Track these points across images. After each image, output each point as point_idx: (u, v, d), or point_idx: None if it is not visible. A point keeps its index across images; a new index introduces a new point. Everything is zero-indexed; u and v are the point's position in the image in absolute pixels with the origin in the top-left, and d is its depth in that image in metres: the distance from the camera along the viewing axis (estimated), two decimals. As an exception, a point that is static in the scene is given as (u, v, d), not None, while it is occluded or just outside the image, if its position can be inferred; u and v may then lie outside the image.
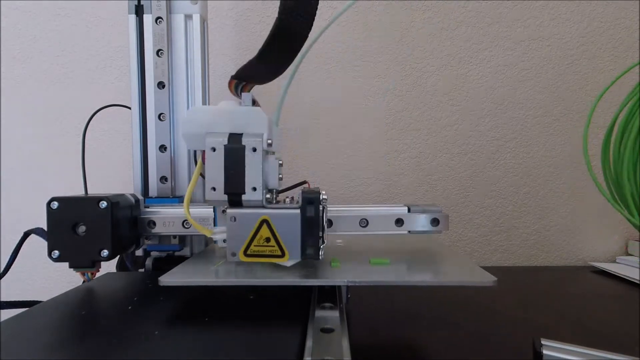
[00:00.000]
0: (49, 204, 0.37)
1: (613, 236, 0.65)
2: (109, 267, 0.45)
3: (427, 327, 0.33)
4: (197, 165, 0.35)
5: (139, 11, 0.47)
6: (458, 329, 0.32)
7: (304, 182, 0.38)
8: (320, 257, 0.32)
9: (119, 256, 0.47)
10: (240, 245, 0.32)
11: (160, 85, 0.47)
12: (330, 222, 0.37)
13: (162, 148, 0.48)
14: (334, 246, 0.41)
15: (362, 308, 0.36)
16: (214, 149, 0.32)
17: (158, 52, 0.47)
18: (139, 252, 0.47)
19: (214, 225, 0.36)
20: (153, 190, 0.47)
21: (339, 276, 0.32)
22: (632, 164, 0.42)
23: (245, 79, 0.35)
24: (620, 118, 0.46)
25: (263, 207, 0.33)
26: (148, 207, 0.42)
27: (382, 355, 0.28)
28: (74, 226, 0.37)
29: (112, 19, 0.65)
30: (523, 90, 0.65)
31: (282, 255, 0.32)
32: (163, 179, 0.47)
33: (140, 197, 0.43)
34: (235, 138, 0.32)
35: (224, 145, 0.32)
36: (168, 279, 0.32)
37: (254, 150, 0.32)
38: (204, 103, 0.48)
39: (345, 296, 0.35)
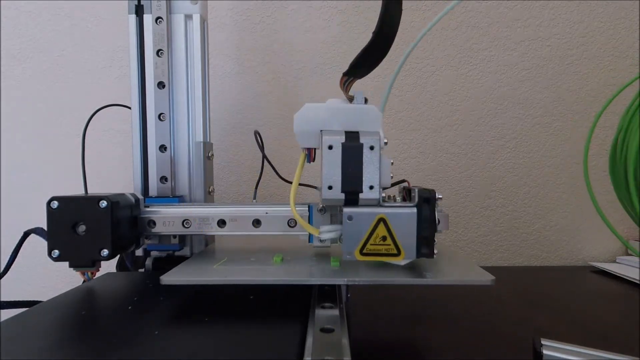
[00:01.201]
0: (48, 203, 0.37)
1: (613, 236, 0.65)
2: (109, 267, 0.45)
3: (427, 326, 0.33)
4: (300, 163, 0.34)
5: (139, 11, 0.47)
6: (458, 328, 0.32)
7: (404, 181, 0.38)
8: (434, 256, 0.32)
9: (119, 256, 0.47)
10: (357, 244, 0.32)
11: (160, 85, 0.47)
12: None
13: (162, 148, 0.48)
14: (333, 246, 0.41)
15: (362, 308, 0.36)
16: (330, 147, 0.32)
17: (158, 52, 0.47)
18: (139, 252, 0.47)
19: (310, 223, 0.36)
20: (153, 190, 0.47)
21: (339, 275, 0.32)
22: (636, 161, 0.42)
23: (354, 74, 0.35)
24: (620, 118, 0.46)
25: (380, 205, 0.32)
26: (148, 207, 0.42)
27: (382, 355, 0.28)
28: (74, 226, 0.37)
29: (112, 19, 0.65)
30: (523, 90, 0.65)
31: (398, 253, 0.32)
32: (163, 179, 0.47)
33: (140, 196, 0.43)
34: (352, 136, 0.32)
35: (342, 144, 0.32)
36: (169, 278, 0.32)
37: (372, 148, 0.32)
38: (204, 103, 0.49)
39: (345, 296, 0.35)
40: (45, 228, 0.37)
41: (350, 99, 0.35)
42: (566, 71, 0.64)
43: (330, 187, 0.32)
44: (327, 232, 0.34)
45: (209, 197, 0.49)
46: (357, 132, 0.32)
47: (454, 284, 0.32)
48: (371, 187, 0.32)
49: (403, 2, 0.32)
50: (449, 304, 0.38)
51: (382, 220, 0.32)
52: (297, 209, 0.39)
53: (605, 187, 0.63)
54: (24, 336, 0.28)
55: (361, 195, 0.32)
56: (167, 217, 0.41)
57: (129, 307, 0.34)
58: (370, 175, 0.32)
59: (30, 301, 0.38)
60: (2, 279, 0.42)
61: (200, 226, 0.41)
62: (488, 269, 0.32)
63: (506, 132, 0.65)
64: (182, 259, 0.42)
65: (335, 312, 0.30)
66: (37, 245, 0.42)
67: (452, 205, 0.66)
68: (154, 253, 0.46)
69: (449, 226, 0.39)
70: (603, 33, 0.64)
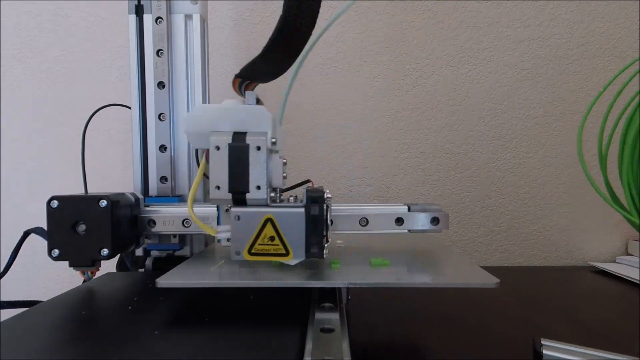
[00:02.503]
0: (48, 202, 0.37)
1: (613, 236, 0.65)
2: (109, 267, 0.45)
3: (427, 327, 0.33)
4: (201, 164, 0.35)
5: (139, 11, 0.47)
6: (458, 329, 0.32)
7: (308, 181, 0.38)
8: (324, 256, 0.32)
9: (119, 256, 0.47)
10: (245, 244, 0.32)
11: (160, 85, 0.47)
12: (330, 221, 0.37)
13: (162, 148, 0.48)
14: (334, 247, 0.41)
15: (362, 308, 0.36)
16: (218, 148, 0.32)
17: (158, 52, 0.47)
18: (139, 252, 0.47)
19: (217, 224, 0.36)
20: (153, 190, 0.47)
21: (339, 277, 0.32)
22: (631, 162, 0.42)
23: (249, 77, 0.35)
24: (618, 117, 0.46)
25: (267, 205, 0.33)
26: (148, 206, 0.42)
27: (382, 355, 0.28)
28: (74, 225, 0.37)
29: (112, 19, 0.65)
30: (523, 90, 0.65)
31: (287, 254, 0.32)
32: (163, 179, 0.47)
33: (140, 196, 0.43)
34: (239, 137, 0.32)
35: (228, 144, 0.32)
36: (166, 281, 0.31)
37: (258, 148, 0.32)
38: (204, 103, 0.48)
39: (345, 297, 0.35)
40: (45, 228, 0.37)
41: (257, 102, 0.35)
42: (566, 71, 0.64)
43: (218, 187, 0.32)
44: (223, 231, 0.34)
45: (208, 197, 0.49)
46: (245, 133, 0.33)
47: (457, 287, 0.31)
48: (258, 187, 0.32)
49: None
50: (449, 304, 0.38)
51: (269, 220, 0.32)
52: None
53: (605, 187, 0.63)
54: (24, 336, 0.28)
55: (248, 195, 0.32)
56: (167, 217, 0.41)
57: (129, 307, 0.34)
58: (257, 175, 0.32)
59: (30, 301, 0.38)
60: (2, 279, 0.42)
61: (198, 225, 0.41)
62: (488, 269, 0.32)
63: (506, 132, 0.65)
64: (182, 259, 0.42)
65: (335, 312, 0.30)
66: (37, 245, 0.42)
67: (452, 205, 0.66)
68: (154, 253, 0.46)
69: (449, 226, 0.39)
70: (603, 33, 0.64)
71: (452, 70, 0.65)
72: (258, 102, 0.35)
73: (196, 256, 0.41)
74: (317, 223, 0.32)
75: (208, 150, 0.33)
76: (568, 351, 0.23)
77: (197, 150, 0.47)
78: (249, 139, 0.32)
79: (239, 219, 0.32)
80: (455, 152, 0.66)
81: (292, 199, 0.34)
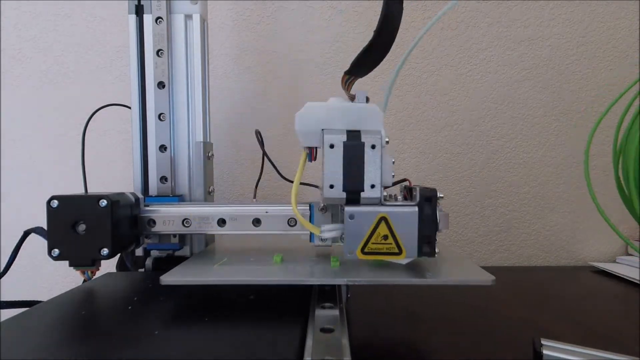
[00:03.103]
0: (48, 202, 0.37)
1: (613, 236, 0.65)
2: (109, 267, 0.45)
3: (427, 327, 0.33)
4: (301, 162, 0.34)
5: (139, 11, 0.47)
6: (458, 328, 0.32)
7: (405, 180, 0.38)
8: (435, 255, 0.32)
9: (119, 256, 0.47)
10: (358, 243, 0.32)
11: (160, 85, 0.47)
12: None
13: (162, 148, 0.48)
14: (334, 246, 0.41)
15: (362, 308, 0.36)
16: (332, 146, 0.32)
17: (158, 52, 0.47)
18: (139, 252, 0.47)
19: (311, 222, 0.36)
20: (153, 190, 0.47)
21: (339, 276, 0.32)
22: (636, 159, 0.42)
23: (356, 73, 0.35)
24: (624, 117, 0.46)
25: (381, 204, 0.32)
26: (148, 206, 0.42)
27: (382, 355, 0.28)
28: (74, 225, 0.37)
29: (112, 19, 0.65)
30: (523, 90, 0.65)
31: (400, 252, 0.32)
32: (163, 179, 0.47)
33: (140, 195, 0.43)
34: (354, 135, 0.32)
35: (344, 142, 0.32)
36: (169, 279, 0.32)
37: (373, 147, 0.32)
38: (204, 103, 0.48)
39: (345, 296, 0.35)
40: (45, 227, 0.37)
41: (352, 98, 0.35)
42: (566, 71, 0.64)
43: (331, 186, 0.32)
44: (328, 231, 0.34)
45: (209, 197, 0.49)
46: (359, 131, 0.32)
47: (454, 284, 0.32)
48: (372, 186, 0.32)
49: (404, 1, 0.32)
50: (449, 304, 0.38)
51: (383, 219, 0.32)
52: (298, 208, 0.38)
53: (605, 187, 0.63)
54: (24, 336, 0.28)
55: (363, 194, 0.32)
56: (167, 216, 0.41)
57: (129, 307, 0.34)
58: (371, 174, 0.32)
59: (30, 301, 0.38)
60: (2, 279, 0.42)
61: (200, 225, 0.41)
62: (488, 269, 0.32)
63: (506, 132, 0.65)
64: (182, 259, 0.42)
65: (335, 312, 0.31)
66: (37, 244, 0.42)
67: (452, 205, 0.66)
68: (154, 253, 0.46)
69: (449, 226, 0.39)
70: (603, 33, 0.64)
71: (452, 70, 0.65)
72: (367, 100, 0.34)
73: (197, 255, 0.41)
74: (429, 222, 0.32)
75: (310, 148, 0.33)
76: (568, 351, 0.23)
77: (261, 144, 0.46)
78: (364, 138, 0.32)
79: (352, 217, 0.32)
80: (455, 152, 0.66)
81: (388, 197, 0.34)
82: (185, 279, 0.32)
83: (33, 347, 0.26)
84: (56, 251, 0.37)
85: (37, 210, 0.42)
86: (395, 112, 0.65)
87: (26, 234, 0.42)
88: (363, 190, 0.32)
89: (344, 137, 0.32)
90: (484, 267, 0.33)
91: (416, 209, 0.32)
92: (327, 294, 0.35)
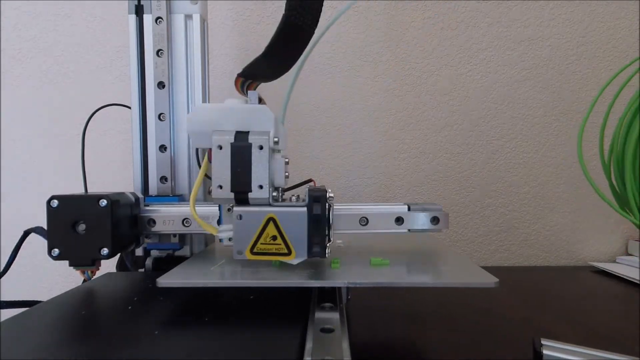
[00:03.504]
0: (48, 202, 0.37)
1: (613, 236, 0.65)
2: (109, 267, 0.45)
3: (427, 327, 0.33)
4: (203, 163, 0.35)
5: (139, 11, 0.47)
6: (458, 329, 0.32)
7: (310, 180, 0.38)
8: (326, 255, 0.32)
9: (119, 256, 0.47)
10: (247, 244, 0.32)
11: (160, 85, 0.47)
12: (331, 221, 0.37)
13: (162, 148, 0.47)
14: (334, 247, 0.41)
15: (362, 308, 0.36)
16: (220, 147, 0.32)
17: (158, 52, 0.47)
18: (139, 252, 0.47)
19: (219, 224, 0.36)
20: (153, 190, 0.47)
21: (339, 277, 0.32)
22: (634, 162, 0.42)
23: (251, 76, 0.35)
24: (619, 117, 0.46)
25: (269, 205, 0.32)
26: (148, 206, 0.42)
27: (382, 355, 0.28)
28: (74, 224, 0.37)
29: (112, 19, 0.65)
30: (523, 90, 0.65)
31: (289, 253, 0.32)
32: (163, 179, 0.47)
33: (140, 195, 0.43)
34: (241, 136, 0.32)
35: (231, 143, 0.32)
36: (166, 280, 0.31)
37: (261, 148, 0.32)
38: (204, 103, 0.48)
39: (345, 296, 0.35)
40: (45, 227, 0.37)
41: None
42: (566, 71, 0.64)
43: (220, 187, 0.32)
44: (225, 230, 0.34)
45: (209, 197, 0.49)
46: (247, 132, 0.32)
47: (456, 286, 0.32)
48: (260, 187, 0.32)
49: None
50: (449, 304, 0.38)
51: (271, 219, 0.32)
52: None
53: (606, 187, 0.63)
54: (24, 336, 0.28)
55: (250, 195, 0.32)
56: (167, 216, 0.41)
57: (129, 307, 0.34)
58: (259, 174, 0.32)
59: (30, 301, 0.38)
60: (2, 279, 0.42)
61: (201, 225, 0.41)
62: (488, 269, 0.32)
63: (506, 132, 0.65)
64: (182, 259, 0.42)
65: (335, 312, 0.30)
66: (37, 244, 0.42)
67: (452, 205, 0.66)
68: (153, 253, 0.46)
69: (449, 226, 0.39)
70: (603, 33, 0.64)
71: (452, 70, 0.65)
72: (260, 101, 0.35)
73: (196, 256, 0.41)
74: (319, 222, 0.32)
75: (210, 149, 0.33)
76: (568, 351, 0.23)
77: (197, 150, 0.47)
78: (251, 138, 0.32)
79: (241, 218, 0.32)
80: (455, 152, 0.66)
81: (293, 198, 0.34)
82: (183, 281, 0.32)
83: (33, 347, 0.26)
84: (56, 251, 0.37)
85: (37, 210, 0.42)
86: (395, 112, 0.66)
87: (26, 233, 0.42)
88: (251, 191, 0.32)
89: (231, 138, 0.32)
90: (484, 267, 0.33)
91: (305, 209, 0.32)
92: (327, 294, 0.35)
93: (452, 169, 0.66)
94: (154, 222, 0.41)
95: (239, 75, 0.35)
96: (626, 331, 0.32)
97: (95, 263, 0.38)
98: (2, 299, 0.40)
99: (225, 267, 0.36)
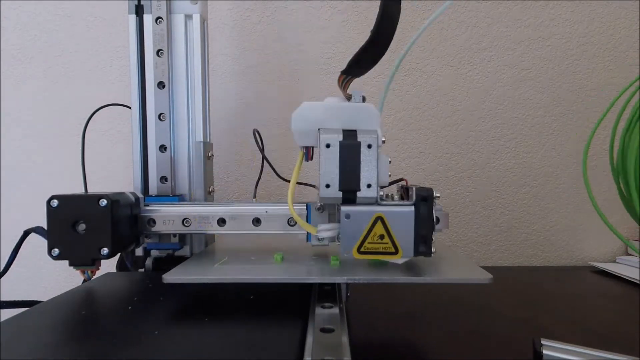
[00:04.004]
0: (48, 202, 0.37)
1: (613, 236, 0.65)
2: (109, 267, 0.45)
3: (427, 326, 0.33)
4: (297, 162, 0.34)
5: (139, 11, 0.47)
6: (458, 328, 0.32)
7: (402, 179, 0.38)
8: (432, 254, 0.32)
9: (119, 256, 0.47)
10: (354, 243, 0.32)
11: (160, 85, 0.47)
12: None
13: (162, 148, 0.48)
14: (333, 245, 0.41)
15: (362, 307, 0.36)
16: (328, 145, 0.32)
17: (158, 52, 0.47)
18: (139, 252, 0.47)
19: (308, 222, 0.36)
20: (153, 190, 0.47)
21: (339, 274, 0.32)
22: (637, 160, 0.42)
23: (354, 72, 0.35)
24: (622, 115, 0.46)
25: (377, 204, 0.32)
26: (148, 206, 0.42)
27: (382, 354, 0.28)
28: (74, 224, 0.37)
29: (112, 19, 0.65)
30: (523, 90, 0.65)
31: (396, 252, 0.32)
32: (163, 179, 0.47)
33: (140, 195, 0.43)
34: (350, 134, 0.32)
35: (340, 142, 0.32)
36: (172, 277, 0.32)
37: (369, 146, 0.32)
38: (204, 103, 0.48)
39: (345, 295, 0.35)
40: (45, 227, 0.37)
41: (349, 98, 0.35)
42: (566, 71, 0.64)
43: (327, 186, 0.32)
44: (325, 230, 0.34)
45: (209, 197, 0.49)
46: (355, 131, 0.32)
47: (452, 283, 0.32)
48: (369, 186, 0.32)
49: (403, 2, 0.32)
50: (449, 303, 0.38)
51: (379, 218, 0.32)
52: (295, 207, 0.39)
53: (606, 187, 0.63)
54: (24, 336, 0.28)
55: (359, 194, 0.32)
56: (167, 216, 0.41)
57: (129, 307, 0.34)
58: (367, 173, 0.32)
59: (30, 301, 0.38)
60: (2, 279, 0.42)
61: (200, 225, 0.41)
62: (488, 269, 0.32)
63: (506, 132, 0.65)
64: (182, 259, 0.42)
65: (335, 311, 0.31)
66: (37, 244, 0.42)
67: (452, 205, 0.66)
68: (154, 253, 0.46)
69: (449, 225, 0.39)
70: (603, 33, 0.64)
71: (452, 70, 0.65)
72: (364, 100, 0.34)
73: (198, 255, 0.41)
74: (426, 221, 0.32)
75: (309, 148, 0.33)
76: (568, 351, 0.23)
77: (261, 140, 0.47)
78: (360, 137, 0.32)
79: (348, 217, 0.32)
80: (455, 152, 0.66)
81: (385, 197, 0.34)
82: (188, 277, 0.32)
83: (33, 347, 0.26)
84: (56, 251, 0.37)
85: (37, 210, 0.42)
86: (395, 112, 0.66)
87: (26, 233, 0.42)
88: (359, 190, 0.32)
89: (340, 137, 0.32)
90: (484, 267, 0.33)
91: (412, 208, 0.32)
92: (327, 293, 0.35)
93: (452, 169, 0.66)
94: (154, 222, 0.41)
95: (342, 72, 0.35)
96: (626, 331, 0.32)
97: (95, 263, 0.38)
98: (2, 299, 0.40)
99: (227, 264, 0.36)
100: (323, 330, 0.27)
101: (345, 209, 0.32)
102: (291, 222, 0.40)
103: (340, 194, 0.32)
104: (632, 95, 0.46)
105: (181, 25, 0.48)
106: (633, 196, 0.43)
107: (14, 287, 0.65)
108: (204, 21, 0.49)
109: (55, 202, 0.37)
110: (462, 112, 0.65)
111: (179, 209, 0.41)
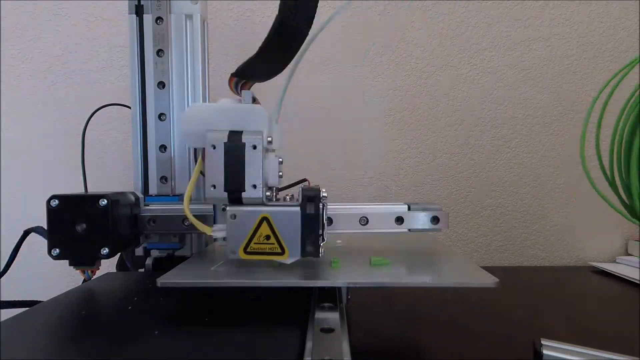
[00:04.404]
0: (49, 201, 0.37)
1: (613, 236, 0.65)
2: (109, 267, 0.45)
3: (427, 327, 0.33)
4: (197, 163, 0.35)
5: (139, 11, 0.47)
6: (458, 329, 0.32)
7: (304, 180, 0.38)
8: (320, 255, 0.32)
9: (119, 256, 0.47)
10: (240, 243, 0.32)
11: (160, 85, 0.47)
12: (330, 220, 0.37)
13: (162, 148, 0.47)
14: (334, 246, 0.41)
15: (362, 308, 0.36)
16: (214, 147, 0.32)
17: (158, 52, 0.47)
18: (139, 252, 0.47)
19: (214, 223, 0.36)
20: (153, 190, 0.47)
21: (339, 277, 0.32)
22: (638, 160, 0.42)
23: (245, 76, 0.35)
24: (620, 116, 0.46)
25: (263, 204, 0.32)
26: (148, 205, 0.42)
27: (382, 355, 0.28)
28: (74, 224, 0.37)
29: (112, 19, 0.65)
30: (523, 90, 0.65)
31: (282, 252, 0.32)
32: (163, 178, 0.47)
33: (140, 195, 0.43)
34: (235, 135, 0.32)
35: (224, 143, 0.32)
36: (167, 280, 0.31)
37: (254, 147, 0.32)
38: (204, 102, 0.48)
39: (345, 296, 0.35)
40: (45, 227, 0.37)
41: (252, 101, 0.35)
42: (566, 71, 0.64)
43: (214, 186, 0.32)
44: (219, 230, 0.34)
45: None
46: (241, 132, 0.32)
47: (456, 286, 0.31)
48: (254, 186, 0.32)
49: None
50: (449, 304, 0.38)
51: (265, 219, 0.32)
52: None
53: (605, 187, 0.63)
54: (24, 336, 0.28)
55: (244, 194, 0.32)
56: (167, 216, 0.41)
57: (129, 307, 0.34)
58: (253, 174, 0.32)
59: (30, 301, 0.38)
60: (2, 279, 0.42)
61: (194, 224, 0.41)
62: (488, 269, 0.32)
63: (506, 132, 0.65)
64: (182, 259, 0.42)
65: (335, 312, 0.30)
66: (38, 244, 0.42)
67: (452, 205, 0.66)
68: (154, 253, 0.46)
69: (449, 226, 0.39)
70: (603, 33, 0.64)
71: (452, 70, 0.65)
72: (254, 100, 0.35)
73: (196, 256, 0.41)
74: (312, 222, 0.32)
75: (204, 149, 0.33)
76: (568, 351, 0.23)
77: (195, 150, 0.47)
78: (244, 138, 0.32)
79: (234, 217, 0.32)
80: (455, 152, 0.66)
81: (288, 198, 0.34)
82: (183, 280, 0.32)
83: (33, 347, 0.26)
84: (56, 250, 0.37)
85: (37, 209, 0.42)
86: (395, 112, 0.66)
87: (26, 233, 0.42)
88: (244, 191, 0.32)
89: (225, 138, 0.32)
90: (484, 267, 0.33)
91: (298, 209, 0.32)
92: (327, 294, 0.35)
93: (452, 169, 0.66)
94: (154, 221, 0.41)
95: (233, 75, 0.35)
96: (626, 331, 0.32)
97: (95, 263, 0.38)
98: (2, 299, 0.40)
99: (225, 267, 0.35)
100: (323, 330, 0.27)
101: (230, 209, 0.32)
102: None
103: (225, 195, 0.32)
104: (631, 95, 0.45)
105: (181, 25, 0.48)
106: (634, 197, 0.43)
107: (14, 287, 0.65)
108: (204, 21, 0.49)
109: (55, 202, 0.37)
110: (462, 112, 0.65)
111: (179, 209, 0.41)
